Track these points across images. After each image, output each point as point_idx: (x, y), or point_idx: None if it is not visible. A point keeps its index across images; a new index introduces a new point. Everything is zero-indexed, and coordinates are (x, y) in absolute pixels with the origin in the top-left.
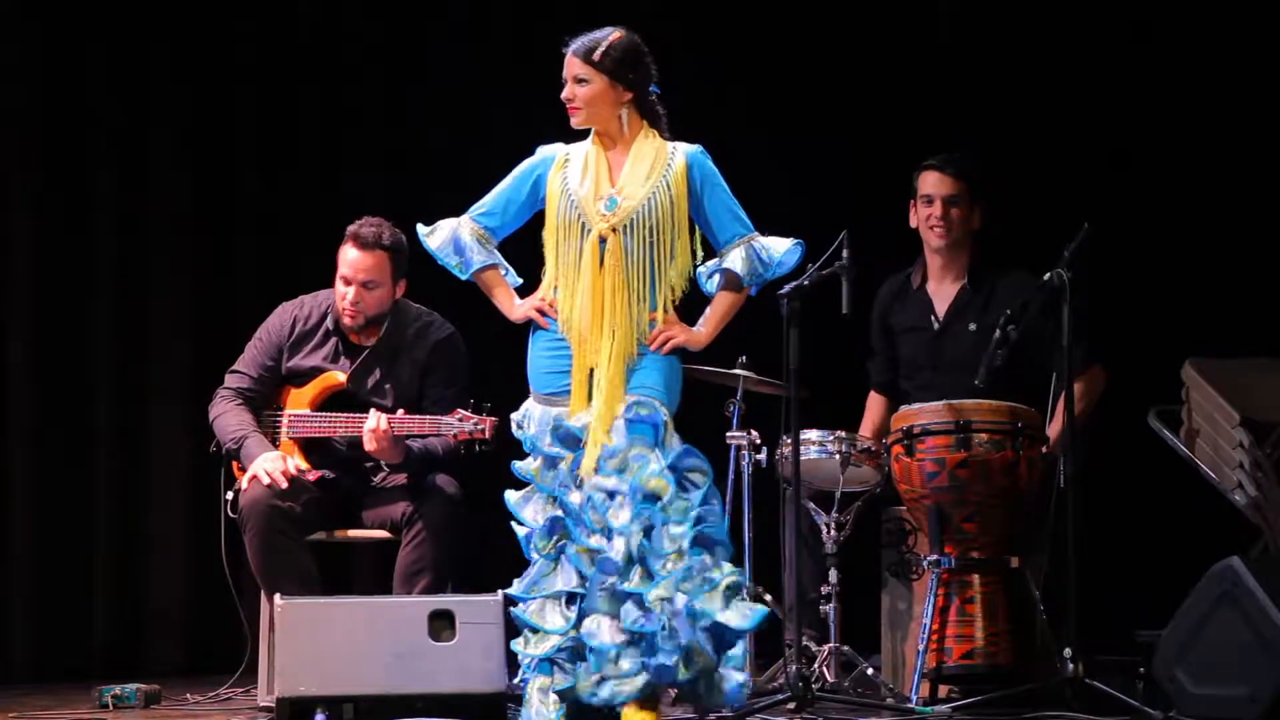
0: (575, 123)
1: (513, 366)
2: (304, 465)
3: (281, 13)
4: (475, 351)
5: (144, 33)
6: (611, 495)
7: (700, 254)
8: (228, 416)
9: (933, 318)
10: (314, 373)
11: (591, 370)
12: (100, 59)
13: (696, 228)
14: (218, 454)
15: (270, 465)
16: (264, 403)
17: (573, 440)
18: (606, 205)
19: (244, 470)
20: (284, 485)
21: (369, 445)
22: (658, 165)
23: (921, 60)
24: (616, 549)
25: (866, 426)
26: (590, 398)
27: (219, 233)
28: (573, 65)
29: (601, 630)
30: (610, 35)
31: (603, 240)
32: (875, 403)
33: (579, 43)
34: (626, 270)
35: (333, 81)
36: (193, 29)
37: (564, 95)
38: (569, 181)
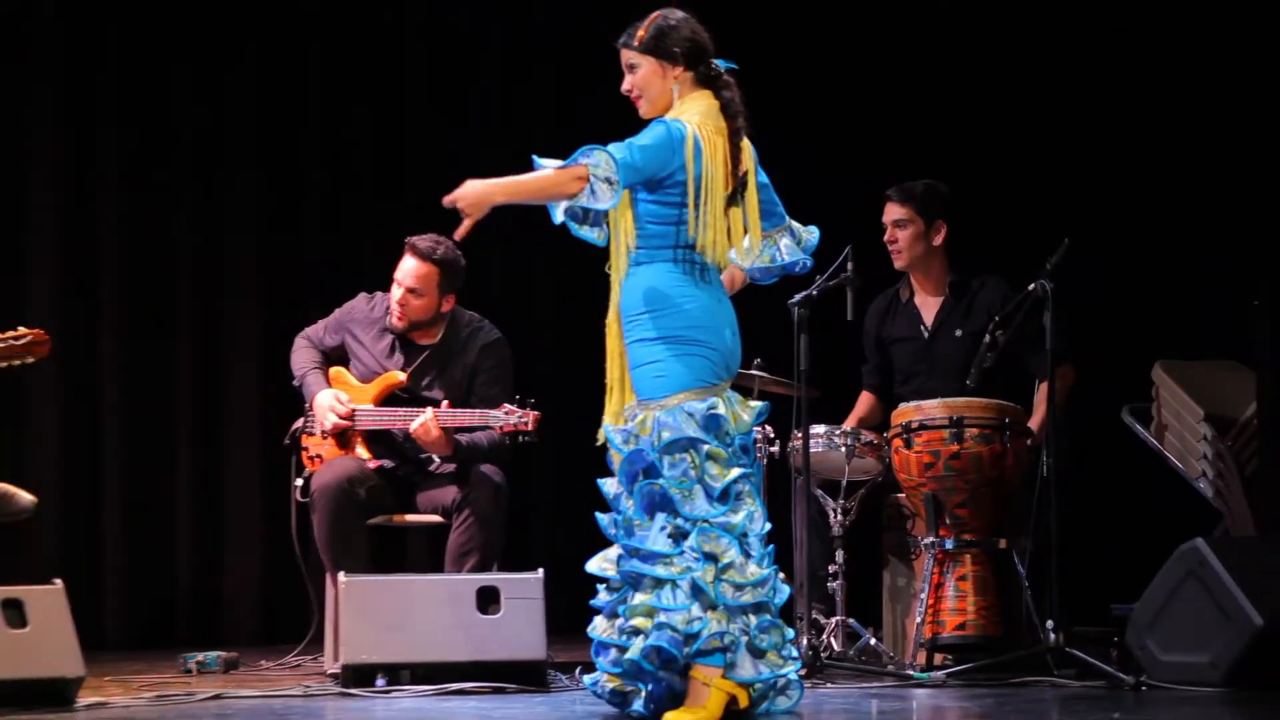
0: (642, 113)
1: (554, 367)
2: (346, 408)
3: (347, 28)
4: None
5: (225, 53)
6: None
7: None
8: (299, 354)
9: (922, 328)
10: (366, 360)
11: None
12: (186, 80)
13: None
14: (289, 446)
15: (324, 409)
16: (324, 359)
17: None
18: None
19: (304, 399)
20: (343, 425)
21: (422, 439)
22: None
23: (917, 93)
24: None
25: (852, 419)
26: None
27: (288, 245)
28: (623, 56)
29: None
30: (651, 16)
31: None
32: (865, 399)
33: (624, 33)
34: (612, 254)
35: (392, 99)
36: (269, 45)
37: (623, 88)
38: None
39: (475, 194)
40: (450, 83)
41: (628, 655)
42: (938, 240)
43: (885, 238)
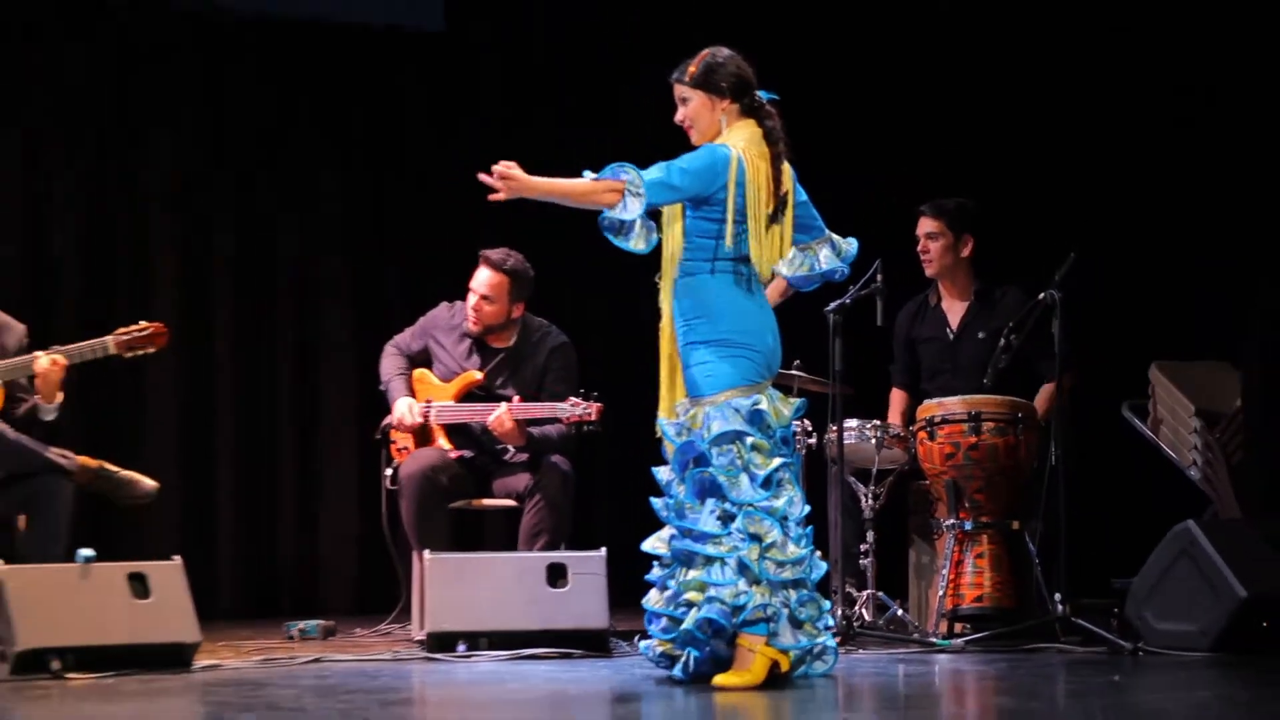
0: (694, 141)
1: (610, 369)
2: (418, 417)
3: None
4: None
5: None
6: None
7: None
8: (387, 361)
9: (948, 330)
10: (447, 362)
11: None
12: (287, 109)
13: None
14: (380, 439)
15: (399, 413)
16: (409, 364)
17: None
18: None
19: (389, 402)
20: (410, 428)
21: (496, 431)
22: None
23: (938, 121)
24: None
25: (895, 415)
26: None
27: (373, 262)
28: (676, 90)
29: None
30: (701, 54)
31: None
32: (898, 396)
33: (677, 70)
34: (664, 264)
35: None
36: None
37: (676, 119)
38: None
39: (518, 180)
40: (516, 103)
41: (683, 626)
42: (965, 252)
43: (918, 248)
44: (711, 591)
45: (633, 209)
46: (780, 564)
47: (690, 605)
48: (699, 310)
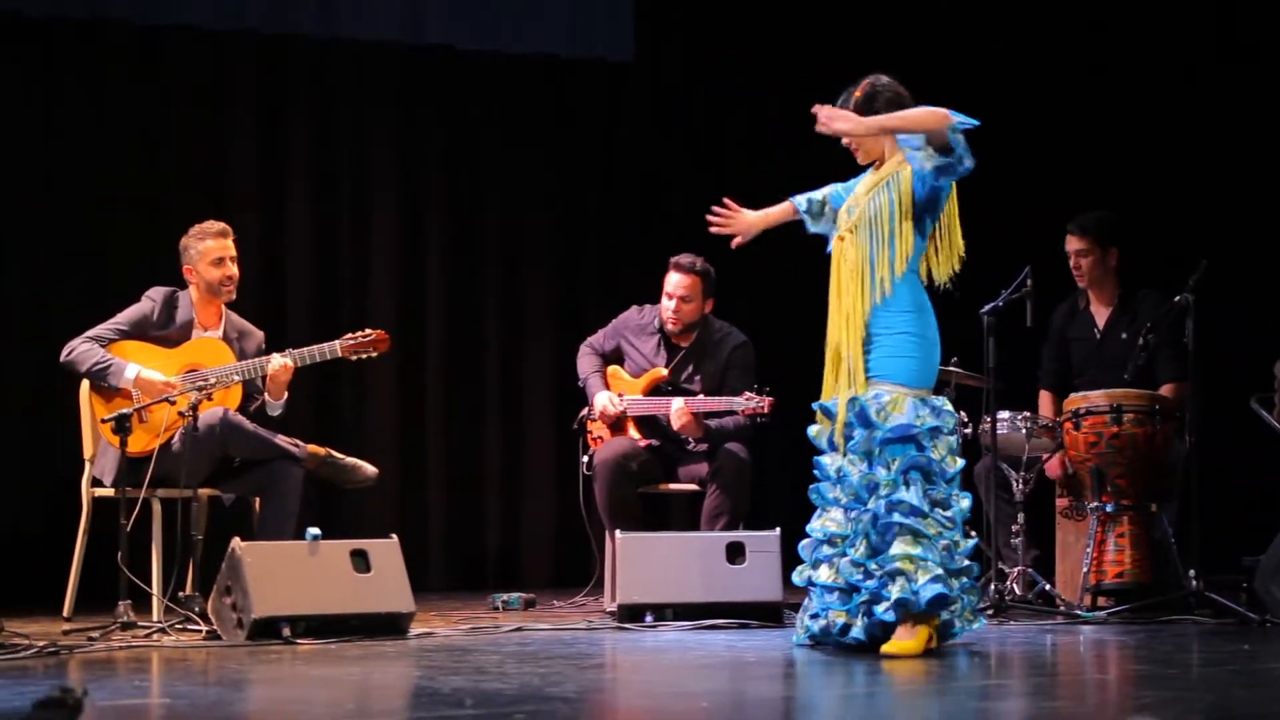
0: (860, 161)
1: (789, 364)
2: (620, 406)
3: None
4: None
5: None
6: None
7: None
8: (583, 360)
9: (1095, 330)
10: (637, 360)
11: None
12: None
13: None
14: (577, 430)
15: (601, 404)
16: (603, 362)
17: (828, 414)
18: (849, 213)
19: (587, 398)
20: (612, 417)
21: (675, 425)
22: (886, 175)
23: (1081, 145)
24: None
25: (1048, 415)
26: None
27: (569, 264)
28: None
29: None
30: (863, 82)
31: (842, 240)
32: (1046, 399)
33: (842, 96)
34: (858, 263)
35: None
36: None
37: (844, 141)
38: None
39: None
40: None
41: (897, 596)
42: (1112, 263)
43: (1070, 264)
44: (930, 568)
45: (960, 144)
46: (956, 554)
47: (895, 575)
48: (914, 307)
